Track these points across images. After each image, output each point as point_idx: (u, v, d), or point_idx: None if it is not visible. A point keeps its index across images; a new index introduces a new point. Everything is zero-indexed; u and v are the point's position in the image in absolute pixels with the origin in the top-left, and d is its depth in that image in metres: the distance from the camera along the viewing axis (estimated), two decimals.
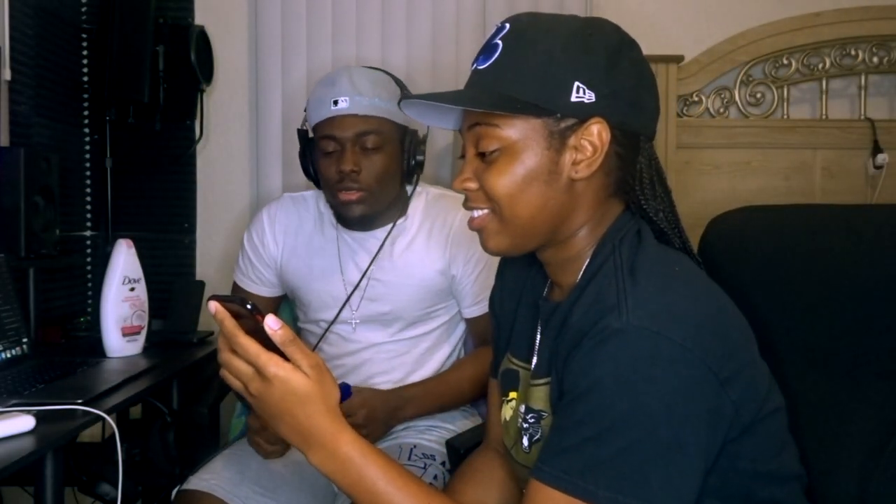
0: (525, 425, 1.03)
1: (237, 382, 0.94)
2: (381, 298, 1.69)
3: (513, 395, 1.09)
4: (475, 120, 0.97)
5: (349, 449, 0.93)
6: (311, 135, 1.70)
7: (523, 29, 0.96)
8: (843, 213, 1.35)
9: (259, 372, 0.91)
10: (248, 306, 0.90)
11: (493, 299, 1.21)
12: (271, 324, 0.89)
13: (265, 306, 1.78)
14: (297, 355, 0.92)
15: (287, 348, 0.91)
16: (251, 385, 0.92)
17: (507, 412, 1.10)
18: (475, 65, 0.98)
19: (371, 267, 1.68)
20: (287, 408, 0.91)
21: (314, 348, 1.74)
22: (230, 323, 0.91)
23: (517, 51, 0.94)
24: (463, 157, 1.01)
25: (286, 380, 0.90)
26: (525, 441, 1.02)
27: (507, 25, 0.97)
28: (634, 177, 0.98)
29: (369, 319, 1.70)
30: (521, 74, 0.93)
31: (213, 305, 0.91)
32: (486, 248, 1.01)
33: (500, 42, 0.96)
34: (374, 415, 1.59)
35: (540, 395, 1.00)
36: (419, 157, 1.69)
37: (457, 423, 1.73)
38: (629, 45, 0.97)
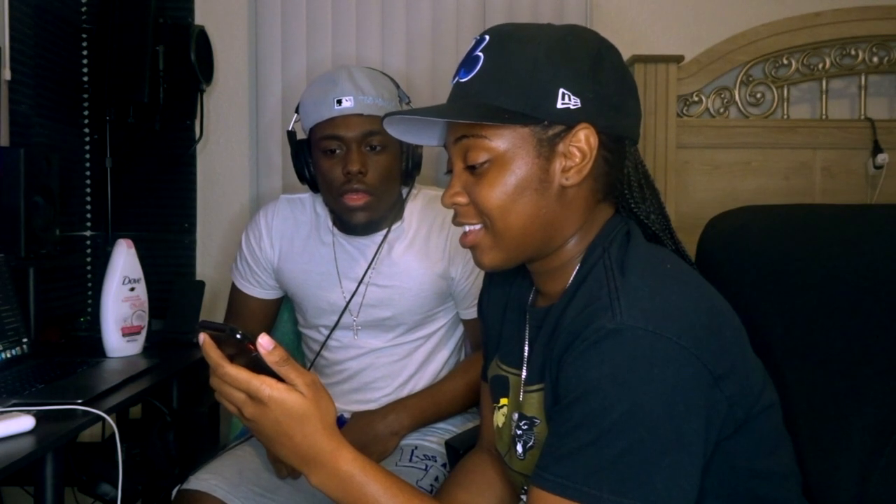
0: (518, 432, 1.02)
1: (232, 407, 0.94)
2: (381, 304, 1.68)
3: (504, 401, 1.09)
4: (462, 133, 0.96)
5: (350, 467, 0.92)
6: (299, 136, 1.68)
7: (504, 39, 0.95)
8: (843, 213, 1.35)
9: (253, 396, 0.91)
10: (238, 335, 0.90)
11: (482, 303, 1.21)
12: (265, 344, 0.89)
13: (266, 309, 1.79)
14: (291, 375, 0.91)
15: (281, 369, 0.91)
16: (245, 410, 0.92)
17: (498, 419, 1.10)
18: (456, 78, 0.97)
19: (370, 273, 1.67)
20: (284, 429, 0.91)
21: (317, 354, 1.74)
22: (215, 354, 0.92)
23: (500, 61, 0.94)
24: (449, 171, 1.00)
25: (281, 401, 0.90)
26: (519, 448, 1.02)
27: (487, 37, 0.96)
28: (622, 181, 0.98)
29: (370, 325, 1.69)
30: (506, 84, 0.93)
31: (201, 336, 0.92)
32: (480, 265, 1.00)
33: (481, 54, 0.95)
34: (373, 440, 1.61)
35: (533, 402, 1.00)
36: (417, 159, 1.67)
37: (458, 425, 1.72)
38: (609, 49, 0.98)
